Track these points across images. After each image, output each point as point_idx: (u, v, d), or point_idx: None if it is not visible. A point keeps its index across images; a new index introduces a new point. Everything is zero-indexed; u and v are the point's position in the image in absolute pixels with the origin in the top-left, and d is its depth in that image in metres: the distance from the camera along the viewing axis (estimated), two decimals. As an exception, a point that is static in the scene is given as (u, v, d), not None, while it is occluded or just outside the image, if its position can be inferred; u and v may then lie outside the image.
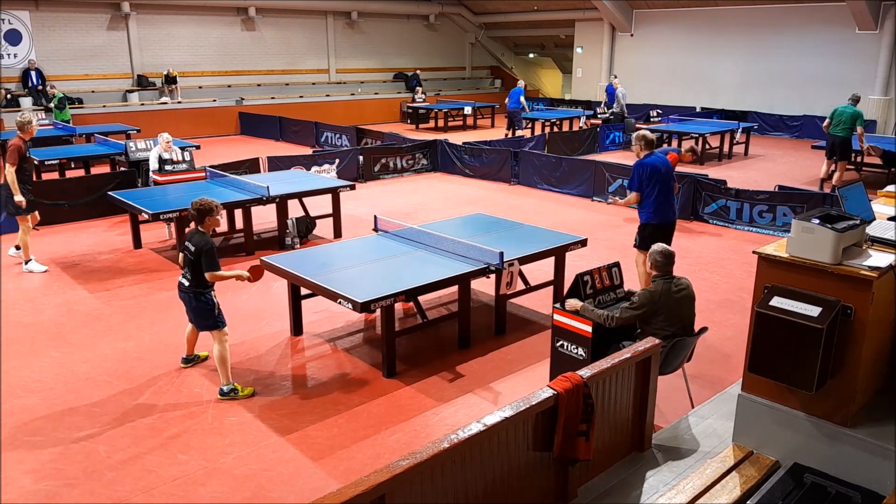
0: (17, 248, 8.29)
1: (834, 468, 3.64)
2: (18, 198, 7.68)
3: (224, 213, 9.05)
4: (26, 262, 8.06)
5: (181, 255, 5.36)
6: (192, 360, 5.75)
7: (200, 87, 20.46)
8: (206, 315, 5.23)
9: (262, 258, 6.18)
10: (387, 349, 5.57)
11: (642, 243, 6.53)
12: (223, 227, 9.59)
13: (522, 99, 17.93)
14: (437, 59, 26.91)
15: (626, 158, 14.86)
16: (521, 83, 19.01)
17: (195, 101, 19.76)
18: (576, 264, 7.26)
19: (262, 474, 4.33)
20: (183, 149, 10.53)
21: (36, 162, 10.43)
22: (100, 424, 4.86)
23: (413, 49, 25.91)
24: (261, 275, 5.37)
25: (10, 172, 7.60)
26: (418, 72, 24.70)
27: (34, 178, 7.85)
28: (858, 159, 13.80)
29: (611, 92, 19.91)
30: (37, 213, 8.07)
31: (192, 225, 5.36)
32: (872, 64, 18.12)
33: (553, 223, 9.14)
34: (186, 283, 5.22)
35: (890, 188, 5.17)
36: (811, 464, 3.71)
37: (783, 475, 3.69)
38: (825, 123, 12.00)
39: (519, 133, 17.72)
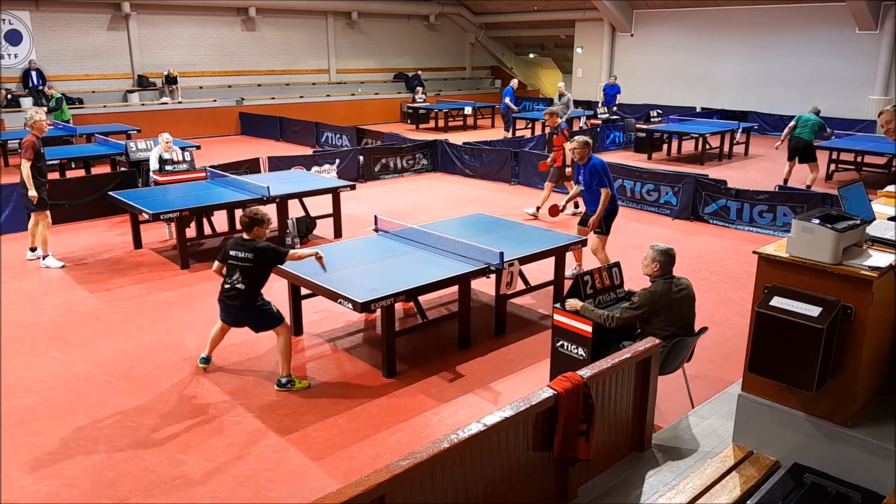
0: (33, 249, 8.41)
1: (834, 468, 3.64)
2: (32, 192, 7.85)
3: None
4: (44, 258, 8.17)
5: (219, 264, 5.32)
6: (209, 361, 5.71)
7: (200, 87, 20.47)
8: (266, 315, 5.30)
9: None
10: (387, 349, 5.57)
11: (607, 230, 7.29)
12: (224, 226, 9.60)
13: (507, 100, 17.93)
14: (437, 59, 26.91)
15: (627, 159, 14.88)
16: (512, 83, 19.08)
17: (195, 101, 19.76)
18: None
19: (262, 474, 4.33)
20: (183, 149, 10.54)
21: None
22: (100, 424, 4.86)
23: (413, 49, 25.91)
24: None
25: (25, 167, 7.78)
26: (419, 72, 24.69)
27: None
28: (859, 159, 13.86)
29: (608, 92, 19.96)
30: (48, 212, 8.15)
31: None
32: (872, 64, 18.13)
33: (553, 223, 9.14)
34: (242, 288, 5.15)
35: (890, 188, 5.17)
36: (811, 464, 3.71)
37: (783, 475, 3.69)
38: (789, 126, 12.52)
39: (519, 133, 17.75)
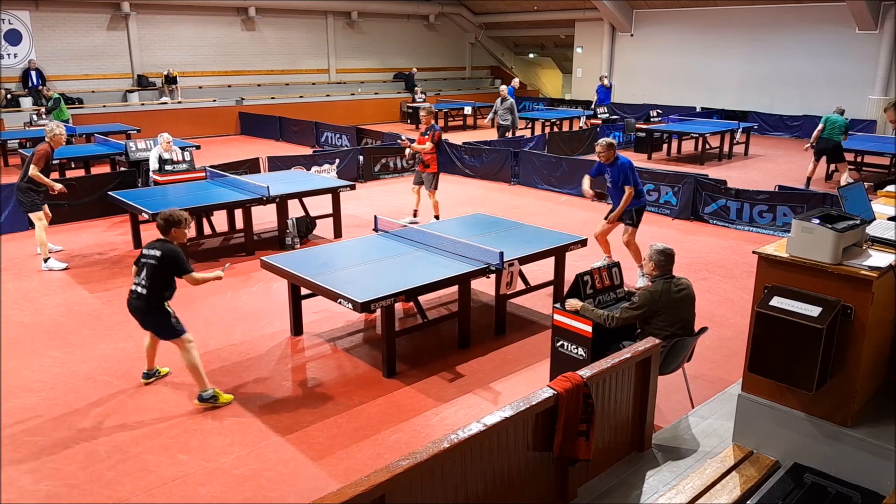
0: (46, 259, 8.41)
1: (834, 468, 3.64)
2: (59, 186, 8.16)
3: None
4: (45, 261, 8.15)
5: (135, 267, 5.10)
6: (152, 376, 5.46)
7: (200, 87, 20.47)
8: (165, 324, 5.00)
9: (263, 258, 6.19)
10: (387, 349, 5.57)
11: (637, 222, 7.63)
12: (223, 227, 9.60)
13: None
14: (436, 59, 26.91)
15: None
16: (513, 82, 19.06)
17: (195, 101, 19.76)
18: (576, 264, 7.28)
19: (262, 474, 4.33)
20: (183, 149, 10.54)
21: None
22: (100, 424, 4.86)
23: (413, 49, 25.91)
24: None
25: (34, 171, 7.86)
26: (414, 70, 24.56)
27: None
28: (859, 160, 13.87)
29: (601, 92, 19.97)
30: (41, 214, 8.18)
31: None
32: (872, 64, 18.12)
33: (553, 223, 9.14)
34: (143, 292, 4.92)
35: (890, 188, 5.17)
36: (811, 464, 3.72)
37: (783, 475, 3.69)
38: (819, 129, 12.45)
39: (518, 133, 17.73)
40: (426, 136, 9.80)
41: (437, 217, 9.91)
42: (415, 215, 10.19)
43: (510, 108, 15.72)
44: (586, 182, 7.86)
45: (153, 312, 4.99)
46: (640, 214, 7.61)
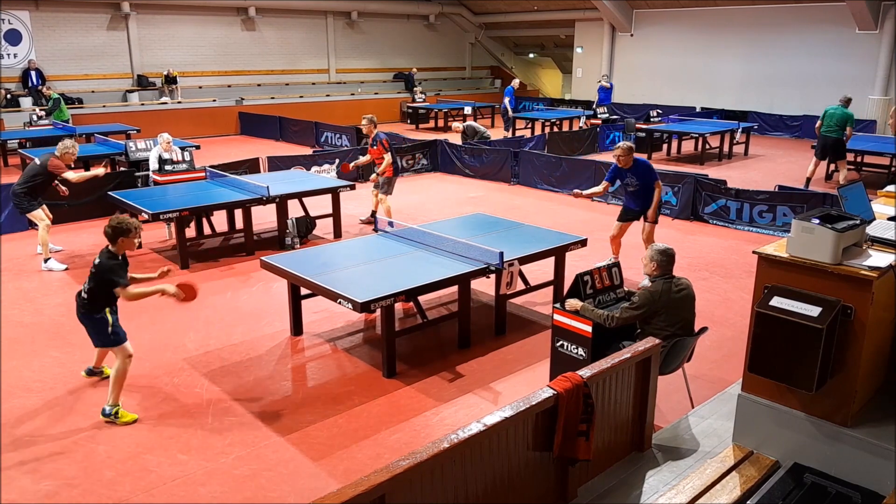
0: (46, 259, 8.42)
1: (834, 468, 3.64)
2: (63, 188, 8.41)
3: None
4: (45, 261, 8.15)
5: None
6: (95, 374, 5.45)
7: (200, 87, 20.46)
8: (101, 331, 4.90)
9: (263, 258, 6.19)
10: (387, 349, 5.57)
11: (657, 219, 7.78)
12: (224, 226, 9.60)
13: (506, 101, 17.91)
14: (436, 59, 26.90)
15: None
16: (514, 82, 19.12)
17: (195, 101, 19.76)
18: (576, 264, 7.26)
19: (262, 474, 4.33)
20: (183, 149, 10.53)
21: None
22: (100, 424, 4.86)
23: (413, 49, 25.90)
24: (194, 295, 4.95)
25: (72, 175, 8.14)
26: (414, 70, 24.52)
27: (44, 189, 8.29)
28: (859, 159, 13.85)
29: (601, 92, 19.97)
30: (41, 213, 8.19)
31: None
32: (872, 64, 18.12)
33: (553, 223, 9.14)
34: (84, 297, 4.86)
35: (890, 188, 5.17)
36: (811, 464, 3.72)
37: (783, 475, 3.69)
38: (817, 125, 12.21)
39: (518, 133, 17.75)
40: (375, 147, 9.66)
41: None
42: (372, 215, 9.97)
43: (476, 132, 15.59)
44: (599, 188, 7.88)
45: (90, 320, 4.90)
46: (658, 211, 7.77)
